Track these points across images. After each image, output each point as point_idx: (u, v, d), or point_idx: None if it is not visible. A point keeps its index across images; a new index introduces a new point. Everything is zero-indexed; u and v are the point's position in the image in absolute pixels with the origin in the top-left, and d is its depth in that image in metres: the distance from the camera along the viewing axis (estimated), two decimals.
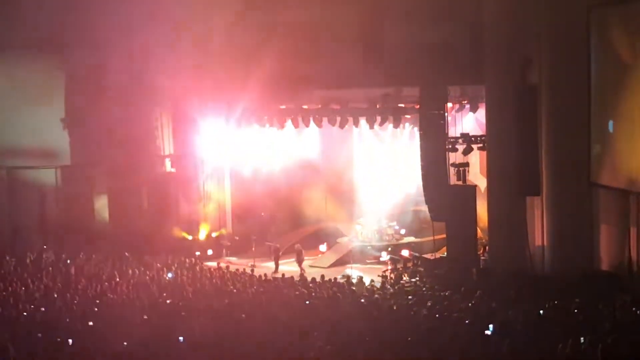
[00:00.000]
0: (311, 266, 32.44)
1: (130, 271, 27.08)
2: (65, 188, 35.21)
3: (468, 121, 33.05)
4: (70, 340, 17.42)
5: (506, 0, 27.14)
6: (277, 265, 31.99)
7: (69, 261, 28.51)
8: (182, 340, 17.24)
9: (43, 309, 21.22)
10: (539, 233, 27.50)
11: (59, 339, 17.59)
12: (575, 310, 20.84)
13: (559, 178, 26.49)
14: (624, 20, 23.52)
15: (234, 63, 32.21)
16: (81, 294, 23.19)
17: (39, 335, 18.05)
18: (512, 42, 27.08)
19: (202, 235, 35.02)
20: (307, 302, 22.20)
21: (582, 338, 16.17)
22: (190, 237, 34.40)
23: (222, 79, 32.95)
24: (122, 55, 32.66)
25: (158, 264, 28.59)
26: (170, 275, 26.59)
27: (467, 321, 18.88)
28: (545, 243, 27.25)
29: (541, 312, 20.55)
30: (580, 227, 26.14)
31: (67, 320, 19.59)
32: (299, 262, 31.49)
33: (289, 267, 31.35)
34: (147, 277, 26.14)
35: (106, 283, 24.87)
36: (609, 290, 23.28)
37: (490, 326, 17.92)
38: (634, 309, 21.33)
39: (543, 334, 17.63)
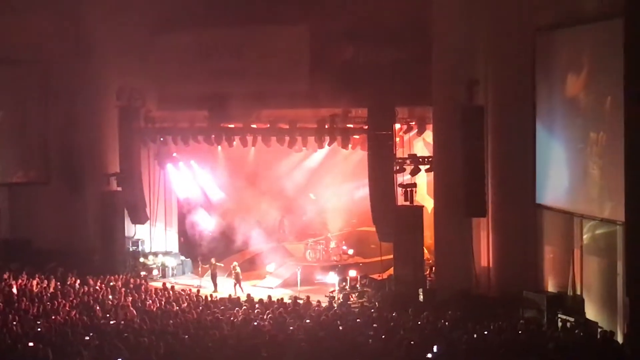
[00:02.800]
0: (258, 286, 32.26)
1: (73, 292, 26.66)
2: (8, 206, 34.73)
3: (417, 142, 33.31)
4: None
5: (453, 22, 27.37)
6: (215, 284, 31.76)
7: (10, 280, 27.94)
8: None
9: None
10: (485, 254, 27.65)
11: None
12: (520, 332, 20.98)
13: (505, 199, 26.69)
14: (568, 43, 23.85)
15: (181, 82, 32.13)
16: (22, 314, 22.76)
17: None
18: (458, 63, 27.30)
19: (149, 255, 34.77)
20: (255, 323, 22.05)
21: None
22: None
23: (168, 98, 32.81)
24: (65, 60, 32.54)
25: (102, 285, 28.22)
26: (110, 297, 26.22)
27: (412, 342, 18.87)
28: (491, 264, 27.41)
29: (486, 332, 20.65)
30: (526, 248, 26.34)
31: (8, 341, 19.18)
32: (237, 281, 31.25)
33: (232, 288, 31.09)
34: (91, 298, 25.76)
35: (48, 303, 24.48)
36: (553, 311, 23.55)
37: (435, 347, 17.94)
38: (577, 330, 21.56)
39: (488, 355, 17.69)
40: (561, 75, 24.20)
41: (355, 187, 34.60)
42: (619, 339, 20.76)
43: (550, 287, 25.49)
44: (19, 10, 32.10)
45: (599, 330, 21.50)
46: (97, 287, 27.65)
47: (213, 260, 32.37)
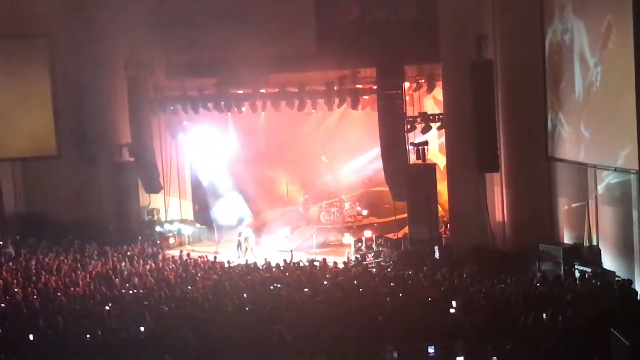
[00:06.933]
0: (274, 251, 32.34)
1: (91, 263, 26.82)
2: (23, 181, 34.80)
3: (427, 100, 33.19)
4: (30, 335, 17.18)
5: None
6: (243, 252, 31.78)
7: (28, 255, 28.08)
8: (143, 330, 17.11)
9: (3, 304, 20.94)
10: (499, 209, 27.68)
11: (18, 334, 17.36)
12: (537, 284, 21.01)
13: (517, 153, 26.64)
14: None
15: (189, 49, 31.99)
16: (42, 287, 22.91)
17: None
18: (466, 18, 27.14)
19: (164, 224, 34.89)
20: (272, 287, 22.15)
21: (544, 312, 16.26)
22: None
23: (177, 66, 32.69)
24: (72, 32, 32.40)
25: (119, 255, 28.35)
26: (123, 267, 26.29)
27: (430, 299, 18.95)
28: (505, 218, 27.43)
29: (503, 286, 20.70)
30: (540, 202, 26.35)
31: (27, 314, 19.32)
32: (250, 247, 31.36)
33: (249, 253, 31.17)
34: (109, 268, 25.89)
35: (71, 275, 24.64)
36: (570, 263, 23.56)
37: (453, 303, 18.00)
38: (594, 280, 21.58)
39: (506, 308, 17.74)
40: (569, 24, 23.95)
41: (366, 147, 34.53)
42: (637, 287, 20.77)
43: (566, 238, 25.49)
44: None
45: (617, 279, 21.51)
46: (114, 258, 27.78)
47: (240, 229, 32.47)
